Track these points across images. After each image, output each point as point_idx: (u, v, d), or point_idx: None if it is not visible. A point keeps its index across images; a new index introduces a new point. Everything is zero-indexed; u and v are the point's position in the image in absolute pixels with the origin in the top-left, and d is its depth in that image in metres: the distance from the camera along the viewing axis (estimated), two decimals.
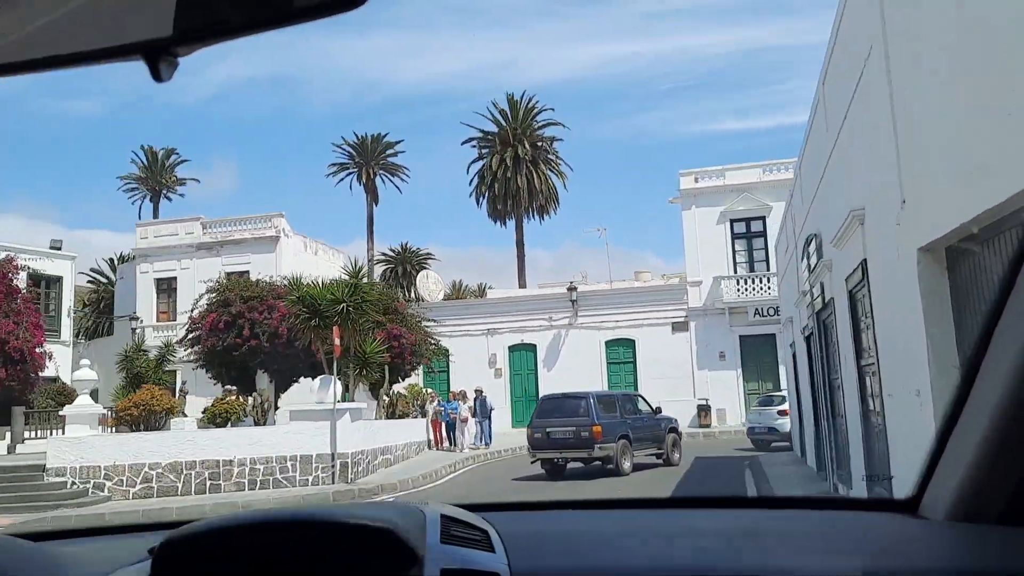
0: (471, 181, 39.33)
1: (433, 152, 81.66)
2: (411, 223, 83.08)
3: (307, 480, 15.08)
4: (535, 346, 29.98)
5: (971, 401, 1.18)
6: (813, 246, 10.62)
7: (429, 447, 21.99)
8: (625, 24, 65.03)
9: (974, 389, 1.17)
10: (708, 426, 27.15)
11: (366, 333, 17.86)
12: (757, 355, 28.16)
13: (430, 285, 32.06)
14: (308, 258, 32.28)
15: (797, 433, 17.23)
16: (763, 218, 28.90)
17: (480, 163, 38.87)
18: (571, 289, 29.42)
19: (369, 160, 43.58)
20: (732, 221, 29.17)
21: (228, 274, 28.48)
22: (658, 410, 18.69)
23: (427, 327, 24.98)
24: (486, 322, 30.33)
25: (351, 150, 44.48)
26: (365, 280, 17.98)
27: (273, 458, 15.08)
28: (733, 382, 28.14)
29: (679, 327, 28.93)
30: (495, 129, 37.97)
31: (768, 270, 28.36)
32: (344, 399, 16.94)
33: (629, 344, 29.29)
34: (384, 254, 47.81)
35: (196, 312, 24.11)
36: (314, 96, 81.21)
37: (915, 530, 1.25)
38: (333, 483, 15.03)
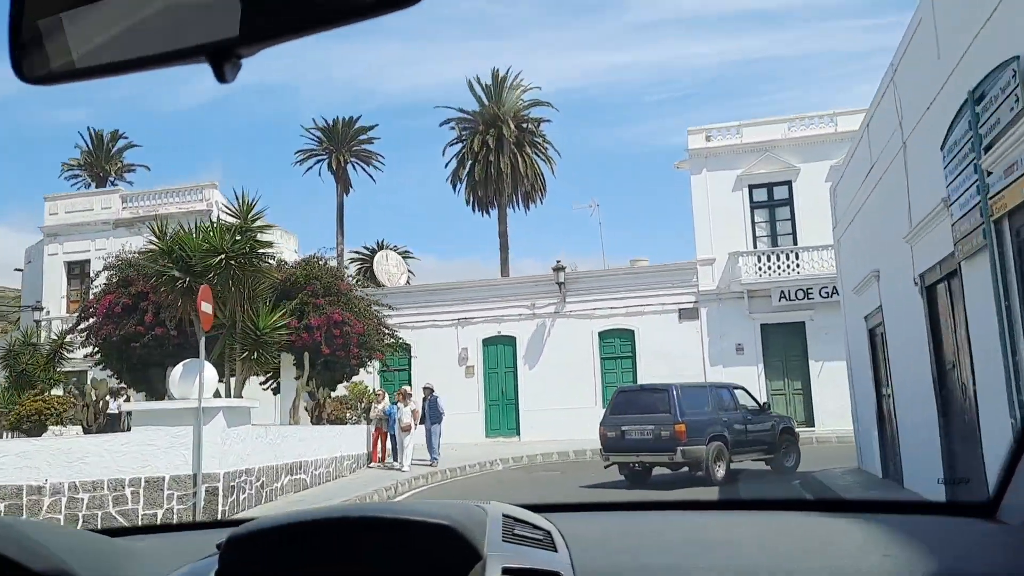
0: (447, 164, 35.55)
1: (423, 161, 79.09)
2: (396, 234, 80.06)
3: (155, 515, 10.65)
4: (514, 339, 25.58)
5: None
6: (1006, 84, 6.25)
7: (369, 463, 17.56)
8: (616, 35, 64.53)
9: None
10: None
11: (260, 299, 13.45)
12: (783, 347, 23.74)
13: (390, 267, 27.70)
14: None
15: (876, 439, 12.86)
16: (789, 183, 24.53)
17: (459, 145, 34.84)
18: (557, 270, 25.05)
19: (340, 145, 39.32)
20: (751, 187, 24.79)
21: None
22: (766, 406, 16.62)
23: (382, 314, 20.73)
24: (456, 311, 25.94)
25: (320, 135, 40.22)
26: (261, 225, 13.45)
27: (105, 482, 10.66)
28: (753, 380, 23.69)
29: (687, 315, 24.52)
30: (476, 108, 34.27)
31: (795, 243, 23.96)
32: (231, 394, 12.56)
33: (627, 335, 24.88)
34: (357, 252, 43.36)
35: (92, 294, 19.76)
36: (303, 106, 77.94)
37: (993, 535, 1.25)
38: (194, 517, 10.59)
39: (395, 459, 17.17)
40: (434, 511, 1.10)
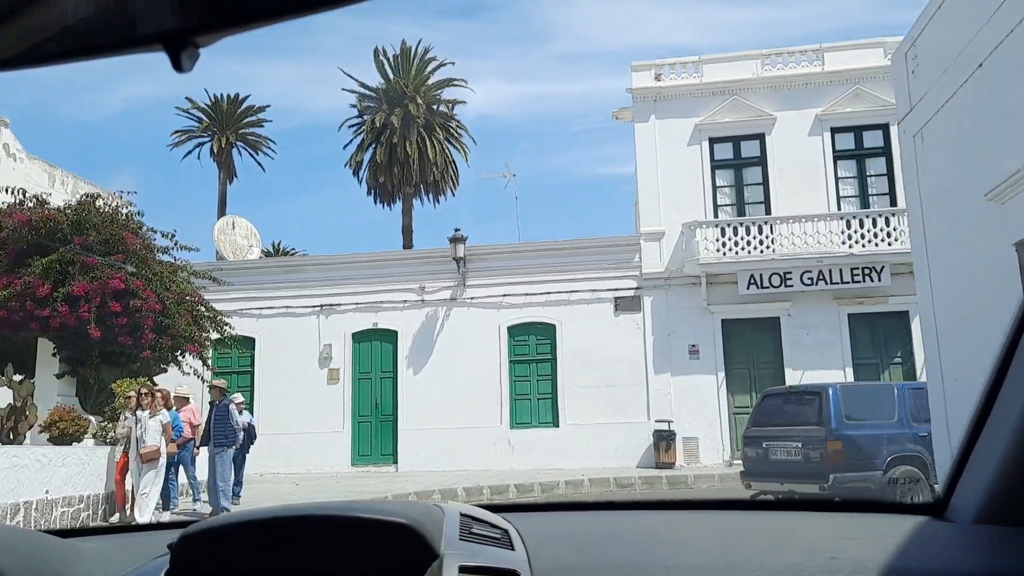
0: (345, 146, 30.28)
1: (344, 183, 75.96)
2: (295, 235, 75.03)
3: None
4: (395, 333, 19.68)
5: (999, 402, 1.23)
6: None
7: (111, 513, 11.26)
8: (541, 65, 64.00)
9: (1002, 391, 1.23)
10: (671, 465, 17.31)
11: None
12: (750, 351, 18.43)
13: (237, 238, 21.49)
14: (55, 193, 21.32)
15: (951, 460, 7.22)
16: (761, 136, 19.36)
17: (360, 121, 29.60)
18: (455, 241, 19.25)
19: (224, 126, 33.24)
20: (713, 141, 19.53)
21: None
22: None
23: (206, 294, 14.91)
24: (317, 295, 19.90)
25: (201, 115, 34.09)
26: None
27: None
28: (711, 393, 18.30)
29: (626, 305, 19.03)
30: (381, 83, 29.21)
31: (768, 212, 18.73)
32: None
33: (546, 332, 19.24)
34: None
35: None
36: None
37: (942, 533, 1.28)
38: None
39: (163, 505, 10.96)
40: (391, 510, 1.12)
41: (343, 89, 30.39)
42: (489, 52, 67.26)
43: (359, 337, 19.77)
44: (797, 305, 18.17)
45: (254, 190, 61.15)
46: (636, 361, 18.68)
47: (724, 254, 18.19)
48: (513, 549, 1.18)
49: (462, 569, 1.05)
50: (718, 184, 19.46)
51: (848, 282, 17.68)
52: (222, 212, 32.34)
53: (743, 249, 18.14)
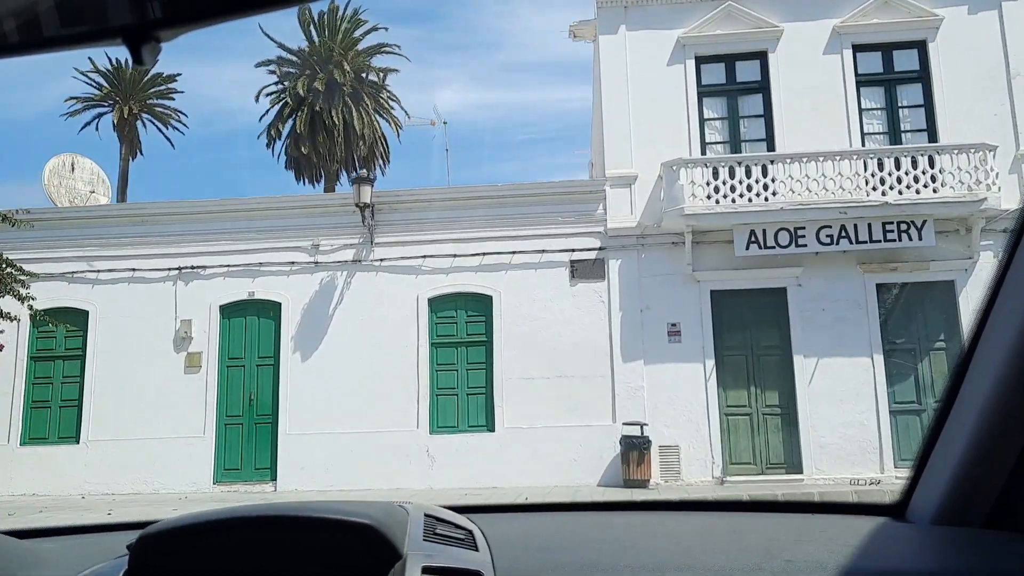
0: (262, 117, 26.54)
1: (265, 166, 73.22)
2: None
3: None
4: (278, 306, 15.12)
5: (958, 405, 1.25)
6: None
7: None
8: (485, 74, 64.19)
9: (961, 393, 1.24)
10: (644, 483, 13.22)
11: None
12: (748, 332, 14.31)
13: (76, 183, 16.64)
14: None
15: None
16: (763, 54, 15.23)
17: (279, 89, 26.05)
18: (360, 183, 14.71)
19: (127, 94, 28.49)
20: (700, 60, 15.35)
21: None
22: None
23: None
24: (174, 254, 15.22)
25: (102, 79, 29.29)
26: None
27: None
28: (697, 387, 14.17)
29: (586, 271, 14.77)
30: (305, 46, 26.01)
31: (771, 149, 14.64)
32: None
33: (480, 305, 14.88)
34: None
35: None
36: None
37: (901, 533, 1.31)
38: None
39: None
40: (354, 510, 1.13)
41: (257, 65, 25.93)
42: (432, 60, 65.74)
43: (229, 311, 15.12)
44: (810, 272, 14.11)
45: (161, 170, 55.73)
46: (599, 345, 14.42)
47: (717, 202, 14.02)
48: (477, 550, 1.20)
49: (425, 570, 1.06)
50: (707, 116, 15.29)
51: (878, 240, 13.68)
52: (123, 193, 27.40)
53: (741, 196, 14.00)
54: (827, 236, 13.82)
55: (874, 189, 13.67)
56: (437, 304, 14.93)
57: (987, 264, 13.70)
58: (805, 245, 13.88)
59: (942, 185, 13.43)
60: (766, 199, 13.91)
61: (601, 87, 15.66)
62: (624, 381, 14.21)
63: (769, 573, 1.12)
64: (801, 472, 13.53)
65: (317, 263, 15.16)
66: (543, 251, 14.88)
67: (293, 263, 15.15)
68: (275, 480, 14.40)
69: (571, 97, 67.48)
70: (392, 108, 27.17)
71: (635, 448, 13.37)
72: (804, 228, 13.88)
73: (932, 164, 13.63)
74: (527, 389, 14.34)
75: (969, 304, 13.64)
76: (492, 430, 14.31)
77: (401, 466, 14.07)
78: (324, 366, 14.66)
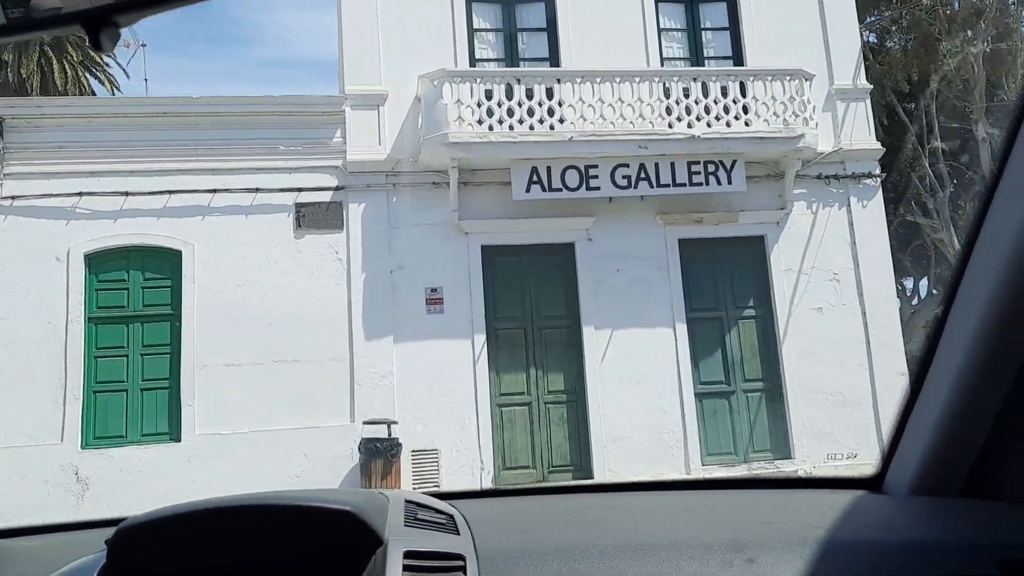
0: None
1: None
2: None
3: None
4: None
5: (930, 376, 1.27)
6: None
7: None
8: (244, 70, 62.42)
9: (933, 365, 1.26)
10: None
11: None
12: (529, 296, 11.42)
13: None
14: None
15: None
16: None
17: None
18: None
19: None
20: None
21: None
22: None
23: None
24: None
25: None
26: None
27: None
28: (464, 371, 11.09)
29: (317, 218, 11.17)
30: None
31: (558, 66, 11.82)
32: None
33: (162, 264, 10.80)
34: None
35: None
36: None
37: (878, 505, 1.32)
38: None
39: None
40: (335, 497, 1.13)
41: None
42: (187, 51, 59.78)
43: None
44: (603, 223, 11.46)
45: None
46: (333, 318, 10.88)
47: (490, 128, 10.92)
48: (459, 534, 1.20)
49: (407, 554, 1.07)
50: (477, 27, 12.16)
51: (683, 184, 11.27)
52: None
53: (521, 123, 11.01)
54: (624, 178, 11.20)
55: (679, 120, 11.23)
56: (99, 262, 10.61)
57: (800, 217, 11.77)
58: (598, 188, 11.18)
59: (756, 116, 11.26)
60: (551, 127, 11.04)
61: None
62: (367, 366, 10.77)
63: (749, 547, 1.13)
64: (591, 475, 10.85)
65: None
66: (257, 190, 11.04)
67: None
68: None
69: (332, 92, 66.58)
70: (107, 66, 22.51)
71: (379, 455, 9.99)
72: (597, 167, 11.16)
73: (744, 92, 11.43)
74: (231, 381, 10.49)
75: (781, 263, 11.64)
76: (178, 439, 10.29)
77: (35, 496, 9.69)
78: None
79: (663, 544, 1.15)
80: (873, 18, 26.97)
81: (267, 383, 10.56)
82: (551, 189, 11.10)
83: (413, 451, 10.51)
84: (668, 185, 11.25)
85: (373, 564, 1.07)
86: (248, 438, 10.32)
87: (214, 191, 10.93)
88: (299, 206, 11.12)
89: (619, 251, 11.45)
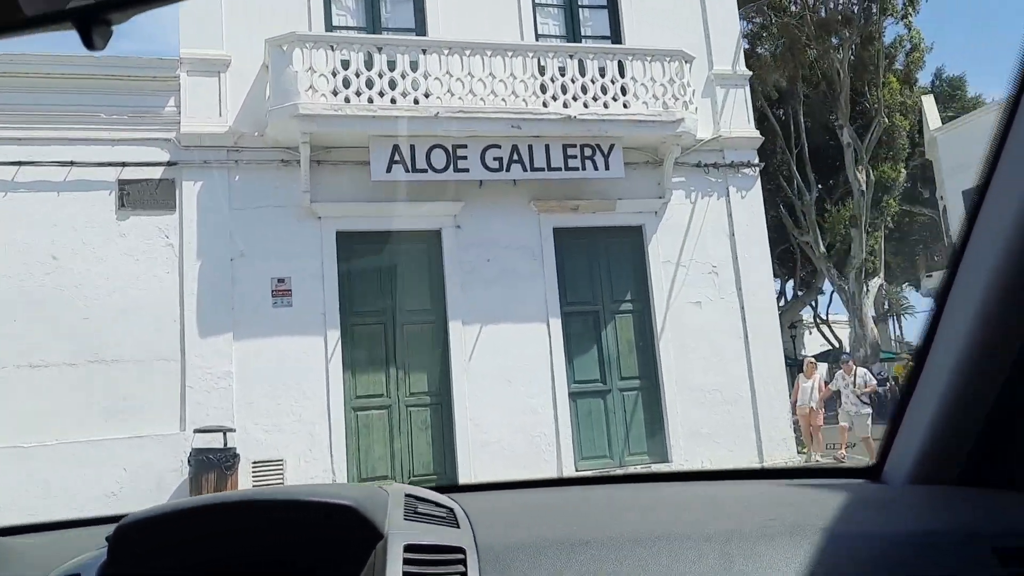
0: None
1: None
2: None
3: None
4: None
5: (927, 366, 1.28)
6: None
7: None
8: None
9: (930, 353, 1.27)
10: None
11: None
12: (387, 287, 10.41)
13: None
14: None
15: None
16: None
17: None
18: None
19: None
20: None
21: None
22: None
23: None
24: None
25: None
26: None
27: None
28: (315, 371, 9.92)
29: (144, 198, 9.80)
30: None
31: (425, 35, 10.87)
32: None
33: None
34: None
35: None
36: None
37: (877, 495, 1.33)
38: None
39: None
40: (335, 492, 1.13)
41: None
42: None
43: None
44: (473, 209, 10.58)
45: None
46: (162, 312, 9.53)
47: (347, 100, 9.84)
48: (459, 527, 1.20)
49: (408, 548, 1.07)
50: None
51: (558, 168, 10.54)
52: None
53: (382, 95, 9.98)
54: (495, 160, 10.36)
55: (554, 99, 10.48)
56: None
57: (679, 207, 11.26)
58: (467, 170, 10.28)
59: (634, 98, 10.65)
60: (416, 101, 10.06)
61: None
62: (201, 367, 9.47)
63: (747, 538, 1.13)
64: (457, 483, 9.92)
65: None
66: (72, 163, 9.55)
67: None
68: None
69: None
70: None
71: (212, 468, 8.73)
72: (466, 147, 10.27)
73: (622, 73, 10.81)
74: (36, 384, 8.98)
75: (659, 254, 11.09)
76: None
77: None
78: None
79: (663, 535, 1.15)
80: (746, 23, 27.37)
81: (81, 387, 9.11)
82: (415, 169, 10.12)
83: (254, 463, 9.30)
84: (543, 169, 10.48)
85: (374, 558, 1.07)
86: (55, 451, 8.83)
87: (18, 163, 9.37)
88: (123, 183, 9.69)
89: (490, 240, 10.59)
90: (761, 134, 11.18)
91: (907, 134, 28.52)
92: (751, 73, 12.58)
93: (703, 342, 10.91)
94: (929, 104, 28.79)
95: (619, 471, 10.26)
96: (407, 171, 10.09)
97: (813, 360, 13.05)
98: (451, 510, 1.27)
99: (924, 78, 32.65)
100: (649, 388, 10.76)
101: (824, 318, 41.12)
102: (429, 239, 10.53)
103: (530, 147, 10.43)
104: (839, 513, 1.21)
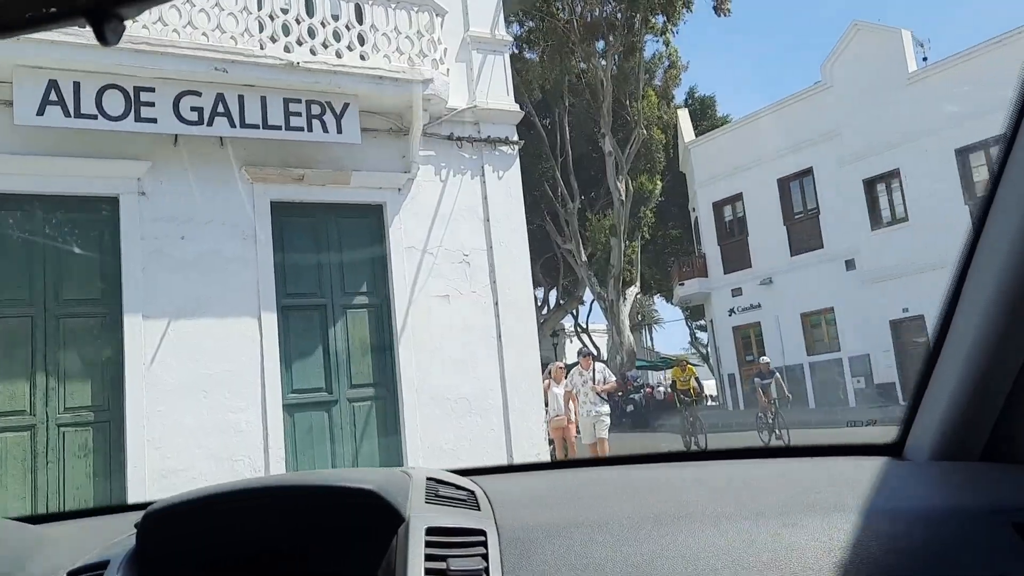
0: None
1: None
2: None
3: None
4: None
5: (949, 340, 1.26)
6: None
7: None
8: None
9: (951, 327, 1.25)
10: None
11: None
12: (41, 270, 7.86)
13: None
14: None
15: None
16: None
17: None
18: None
19: None
20: None
21: None
22: None
23: None
24: None
25: None
26: None
27: None
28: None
29: None
30: None
31: None
32: None
33: None
34: None
35: None
36: None
37: (899, 472, 1.31)
38: None
39: None
40: (357, 476, 1.15)
41: None
42: None
43: None
44: (164, 173, 8.32)
45: None
46: None
47: None
48: (479, 509, 1.21)
49: (429, 531, 1.08)
50: None
51: (277, 127, 8.57)
52: None
53: None
54: (194, 110, 8.19)
55: (273, 40, 8.52)
56: None
57: (427, 184, 9.68)
58: (154, 120, 8.03)
59: (374, 50, 8.93)
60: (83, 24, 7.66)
61: None
62: None
63: (770, 517, 1.14)
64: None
65: None
66: None
67: None
68: None
69: None
70: None
71: None
72: (154, 91, 8.02)
73: (360, 19, 9.06)
74: None
75: (402, 239, 9.43)
76: None
77: None
78: None
79: (684, 515, 1.16)
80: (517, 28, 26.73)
81: None
82: (80, 115, 7.72)
83: None
84: (257, 126, 8.46)
85: (396, 541, 1.09)
86: None
87: None
88: None
89: (186, 212, 8.38)
90: (527, 142, 10.05)
91: (663, 148, 29.31)
92: (511, 39, 11.32)
93: (451, 342, 9.38)
94: (685, 119, 29.78)
95: None
96: (67, 115, 7.67)
97: (562, 365, 11.96)
98: (472, 492, 1.29)
99: (679, 96, 33.95)
100: (385, 397, 9.03)
101: (584, 327, 41.88)
102: (103, 207, 8.13)
103: (241, 98, 8.38)
104: (862, 490, 1.20)
